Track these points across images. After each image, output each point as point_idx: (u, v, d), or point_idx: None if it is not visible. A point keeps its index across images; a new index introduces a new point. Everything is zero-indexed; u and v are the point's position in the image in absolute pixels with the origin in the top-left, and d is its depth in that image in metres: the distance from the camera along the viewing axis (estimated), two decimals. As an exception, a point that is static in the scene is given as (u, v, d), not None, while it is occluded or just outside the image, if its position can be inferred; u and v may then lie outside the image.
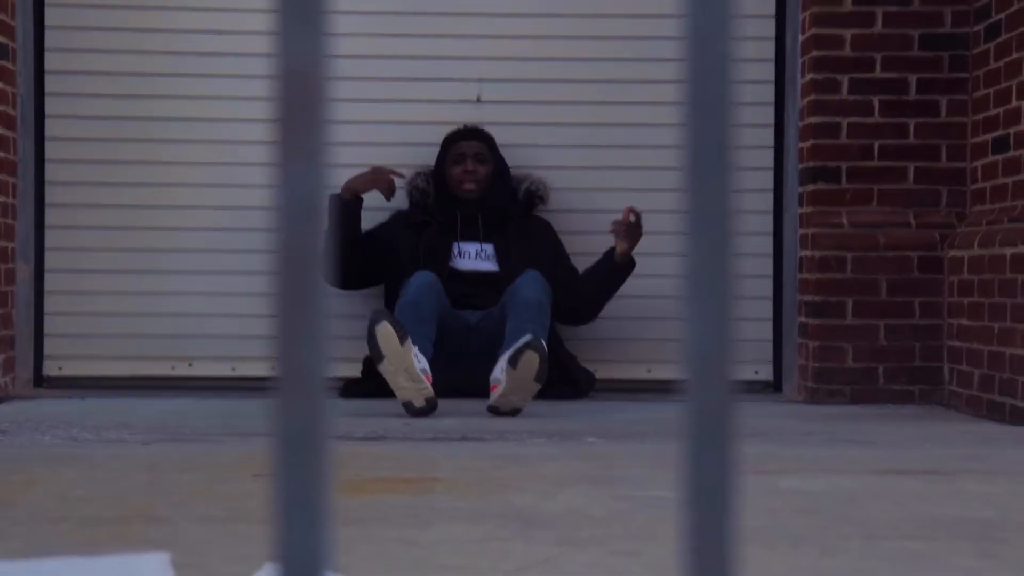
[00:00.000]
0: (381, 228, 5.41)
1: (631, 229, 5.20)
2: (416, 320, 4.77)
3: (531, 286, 4.92)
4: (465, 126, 5.48)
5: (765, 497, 2.85)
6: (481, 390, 4.78)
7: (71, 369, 5.55)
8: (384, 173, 5.34)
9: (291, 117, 0.68)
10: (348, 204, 5.27)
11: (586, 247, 5.50)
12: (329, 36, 0.69)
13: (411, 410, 4.56)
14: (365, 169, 5.31)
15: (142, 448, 3.69)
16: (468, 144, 5.42)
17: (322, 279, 0.74)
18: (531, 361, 4.56)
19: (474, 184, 5.39)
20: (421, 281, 4.93)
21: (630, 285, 5.42)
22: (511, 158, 5.50)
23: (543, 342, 4.68)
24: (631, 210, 5.20)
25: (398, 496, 2.84)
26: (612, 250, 5.28)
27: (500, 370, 4.66)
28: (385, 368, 4.55)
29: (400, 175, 5.37)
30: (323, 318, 0.65)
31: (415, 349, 4.59)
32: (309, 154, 0.68)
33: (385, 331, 4.53)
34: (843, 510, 2.74)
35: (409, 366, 4.54)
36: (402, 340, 4.54)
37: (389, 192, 5.35)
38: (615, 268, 5.27)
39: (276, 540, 0.67)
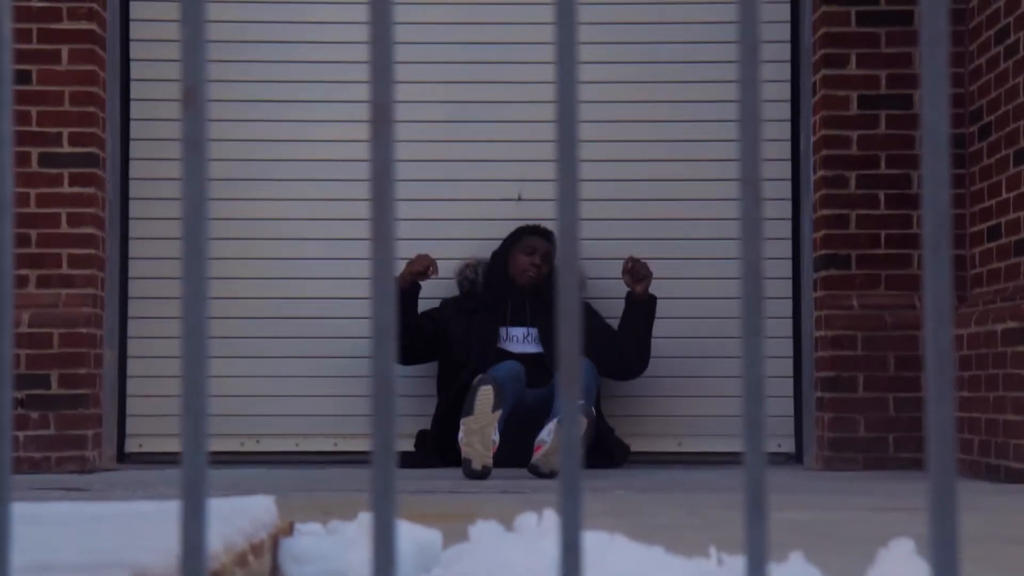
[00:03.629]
0: (433, 311, 5.95)
1: (636, 270, 5.75)
2: None
3: (582, 372, 5.43)
4: (538, 224, 6.02)
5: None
6: (525, 460, 5.26)
7: (150, 446, 6.08)
8: (424, 257, 5.84)
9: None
10: (406, 292, 5.79)
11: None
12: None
13: (467, 470, 5.06)
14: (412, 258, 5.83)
15: (222, 499, 4.20)
16: (540, 242, 5.97)
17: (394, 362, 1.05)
18: (579, 424, 5.07)
19: (536, 277, 5.93)
20: (510, 371, 5.44)
21: (664, 365, 5.94)
22: (551, 251, 6.03)
23: (593, 411, 5.21)
24: (629, 258, 5.76)
25: (445, 522, 3.33)
26: (630, 295, 5.82)
27: (547, 432, 5.17)
28: (468, 424, 5.09)
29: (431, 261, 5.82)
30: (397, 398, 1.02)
31: (497, 423, 5.14)
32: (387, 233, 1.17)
33: (485, 393, 5.11)
34: (826, 530, 3.21)
35: (488, 433, 5.09)
36: (494, 408, 5.11)
37: (433, 270, 5.83)
38: (639, 308, 5.79)
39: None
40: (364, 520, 1.86)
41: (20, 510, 1.81)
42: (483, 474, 5.06)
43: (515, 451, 5.42)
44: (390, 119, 0.99)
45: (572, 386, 0.94)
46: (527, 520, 1.74)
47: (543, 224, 6.03)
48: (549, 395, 5.49)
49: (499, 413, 5.13)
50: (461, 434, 5.12)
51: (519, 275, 5.92)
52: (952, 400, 0.95)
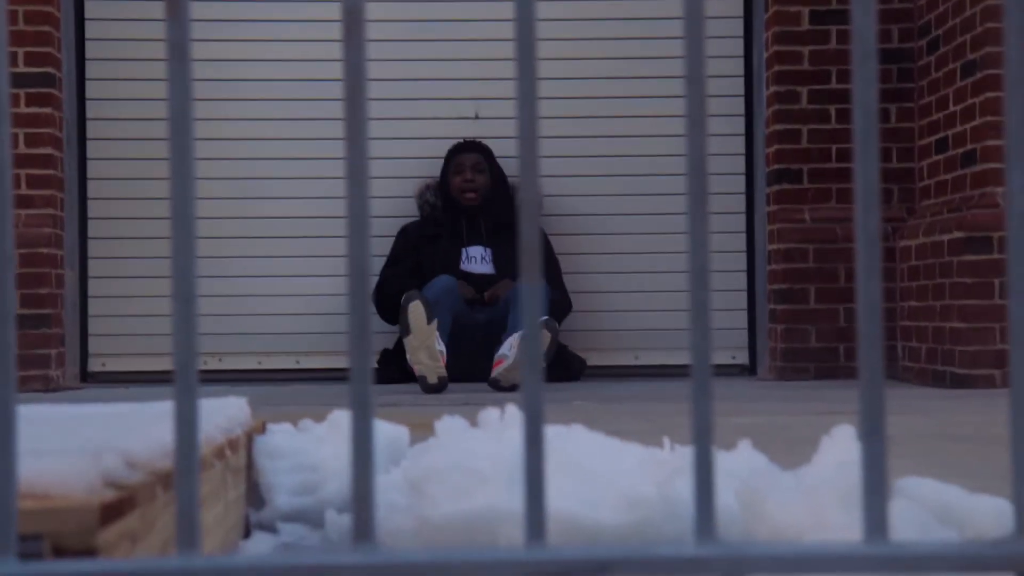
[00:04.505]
0: (404, 252, 5.96)
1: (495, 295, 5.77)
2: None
3: None
4: (464, 140, 6.08)
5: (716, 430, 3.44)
6: (483, 376, 5.36)
7: (113, 365, 6.14)
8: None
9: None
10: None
11: (577, 247, 6.12)
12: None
13: (424, 385, 5.15)
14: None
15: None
16: (467, 156, 6.02)
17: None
18: (543, 338, 5.18)
19: (474, 193, 5.98)
20: (441, 285, 5.55)
21: (618, 280, 6.06)
22: (509, 169, 6.10)
23: (555, 323, 5.29)
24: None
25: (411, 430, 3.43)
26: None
27: (508, 346, 5.26)
28: (410, 342, 5.18)
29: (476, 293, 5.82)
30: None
31: (438, 333, 5.22)
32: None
33: (416, 309, 5.18)
34: (775, 432, 3.33)
35: (431, 344, 5.17)
36: (429, 319, 5.20)
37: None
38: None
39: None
40: (334, 419, 1.94)
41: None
42: (440, 386, 5.15)
43: (471, 367, 5.52)
44: (361, 23, 1.06)
45: (533, 276, 1.01)
46: (490, 415, 1.83)
47: (474, 138, 6.07)
48: (504, 311, 5.58)
49: (435, 323, 5.21)
50: (408, 355, 5.20)
51: (460, 196, 5.98)
52: (879, 280, 1.04)
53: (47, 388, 5.66)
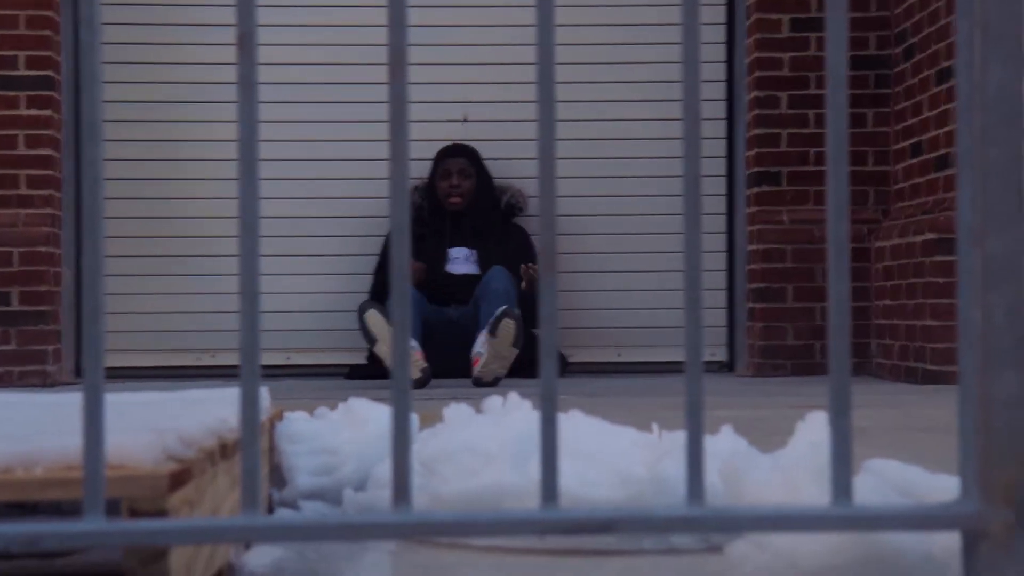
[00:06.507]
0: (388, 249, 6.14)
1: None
2: None
3: (498, 279, 5.71)
4: (453, 144, 6.24)
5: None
6: (463, 373, 5.53)
7: (108, 361, 6.24)
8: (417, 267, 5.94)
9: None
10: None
11: (559, 247, 6.28)
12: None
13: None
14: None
15: (188, 407, 4.43)
16: (454, 161, 6.17)
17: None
18: (508, 327, 5.34)
19: (459, 197, 6.14)
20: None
21: (601, 279, 6.22)
22: (496, 170, 6.26)
23: (517, 311, 5.44)
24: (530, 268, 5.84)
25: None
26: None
27: (480, 344, 5.42)
28: (380, 349, 5.32)
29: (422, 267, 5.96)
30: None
31: None
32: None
33: (374, 316, 5.32)
34: (755, 423, 3.50)
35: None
36: (390, 321, 5.34)
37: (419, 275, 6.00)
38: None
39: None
40: (348, 406, 2.10)
41: (46, 398, 2.04)
42: (425, 379, 5.28)
43: (450, 365, 5.67)
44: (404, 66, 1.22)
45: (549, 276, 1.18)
46: (494, 402, 2.00)
47: (460, 142, 6.23)
48: (474, 309, 5.74)
49: None
50: (385, 362, 5.35)
51: (444, 201, 6.13)
52: (848, 279, 1.20)
53: (44, 383, 5.80)
